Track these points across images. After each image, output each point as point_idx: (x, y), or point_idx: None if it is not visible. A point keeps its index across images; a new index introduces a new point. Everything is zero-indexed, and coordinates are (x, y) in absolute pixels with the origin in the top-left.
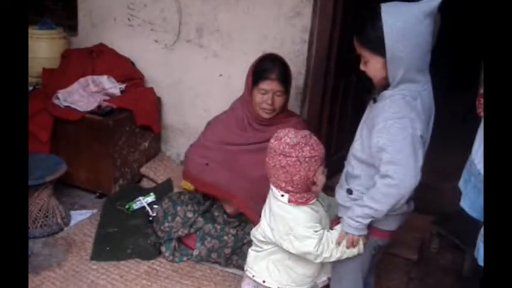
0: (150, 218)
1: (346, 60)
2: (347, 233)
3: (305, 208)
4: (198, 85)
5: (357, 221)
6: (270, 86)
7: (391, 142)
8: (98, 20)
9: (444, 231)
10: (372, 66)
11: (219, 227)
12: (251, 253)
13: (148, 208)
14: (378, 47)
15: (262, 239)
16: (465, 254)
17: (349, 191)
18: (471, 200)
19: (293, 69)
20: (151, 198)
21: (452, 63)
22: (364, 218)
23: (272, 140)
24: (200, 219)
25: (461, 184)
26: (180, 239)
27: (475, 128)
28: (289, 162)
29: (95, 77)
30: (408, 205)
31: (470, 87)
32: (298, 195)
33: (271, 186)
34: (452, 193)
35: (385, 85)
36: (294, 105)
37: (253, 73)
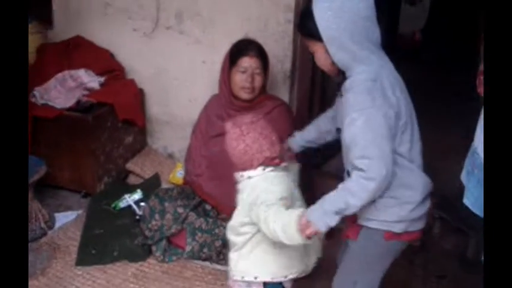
0: (137, 217)
1: None
2: (312, 224)
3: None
4: (181, 74)
5: (330, 217)
6: (249, 62)
7: (358, 135)
8: (73, 11)
9: (446, 214)
10: (318, 54)
11: (211, 220)
12: (232, 256)
13: (134, 206)
14: (315, 33)
15: (244, 221)
16: (468, 237)
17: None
18: (474, 196)
19: (279, 51)
20: (138, 195)
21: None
22: (338, 213)
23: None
24: (192, 213)
25: (463, 177)
26: (168, 239)
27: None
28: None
29: (73, 72)
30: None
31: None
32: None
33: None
34: (450, 173)
35: (341, 75)
36: (282, 89)
37: (230, 54)
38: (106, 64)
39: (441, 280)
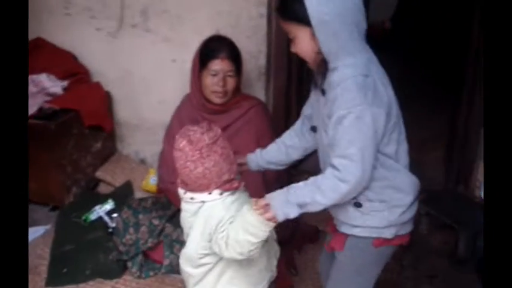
0: (110, 230)
1: None
2: (271, 209)
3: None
4: (149, 74)
5: (292, 208)
6: (220, 65)
7: (343, 134)
8: (31, 11)
9: (433, 210)
10: (301, 40)
11: None
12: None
13: (106, 218)
14: (302, 16)
15: (204, 252)
16: (458, 233)
17: (358, 204)
18: None
19: (253, 47)
20: (109, 205)
21: None
22: (301, 207)
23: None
24: (168, 225)
25: None
26: (145, 253)
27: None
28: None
29: (33, 76)
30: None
31: None
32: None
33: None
34: (427, 165)
35: (323, 66)
36: (257, 87)
37: (200, 55)
38: (69, 67)
39: (433, 280)
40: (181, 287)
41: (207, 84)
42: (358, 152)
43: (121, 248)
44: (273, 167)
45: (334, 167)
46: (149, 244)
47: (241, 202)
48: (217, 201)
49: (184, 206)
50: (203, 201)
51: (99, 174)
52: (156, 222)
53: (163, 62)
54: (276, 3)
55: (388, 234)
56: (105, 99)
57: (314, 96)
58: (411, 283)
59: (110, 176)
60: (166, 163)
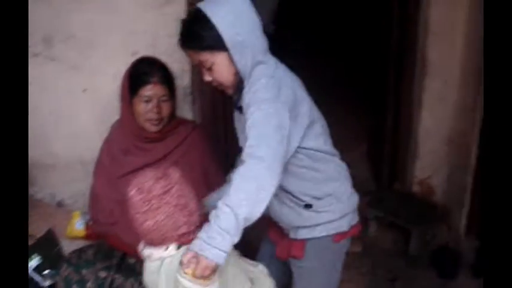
0: None
1: None
2: (203, 260)
3: None
4: (59, 107)
5: (223, 235)
6: (152, 90)
7: (254, 126)
8: None
9: (382, 213)
10: (219, 66)
11: (141, 277)
12: None
13: (37, 277)
14: (217, 43)
15: None
16: (409, 232)
17: (308, 206)
18: None
19: (175, 66)
20: (35, 261)
21: None
22: (229, 229)
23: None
24: (117, 275)
25: None
26: None
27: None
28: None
29: None
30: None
31: None
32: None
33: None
34: (360, 165)
35: (238, 90)
36: (183, 109)
37: (129, 81)
38: None
39: (394, 283)
40: None
41: (140, 111)
42: (269, 150)
43: None
44: None
45: (247, 154)
46: None
47: None
48: (176, 256)
49: (146, 265)
50: (161, 258)
51: None
52: (103, 274)
53: (73, 92)
54: (180, 36)
55: (345, 225)
56: None
57: (236, 117)
58: None
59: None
60: (99, 202)
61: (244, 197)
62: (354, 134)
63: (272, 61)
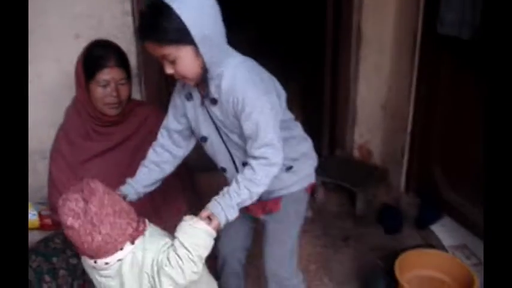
0: None
1: None
2: (214, 217)
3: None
4: None
5: (232, 210)
6: (110, 74)
7: (256, 127)
8: None
9: (329, 178)
10: (184, 60)
11: None
12: None
13: None
14: (183, 36)
15: None
16: (353, 194)
17: (289, 168)
18: None
19: (122, 47)
20: None
21: None
22: (240, 205)
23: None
24: None
25: None
26: None
27: None
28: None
29: None
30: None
31: None
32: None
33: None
34: None
35: (203, 76)
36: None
37: (83, 65)
38: None
39: (348, 241)
40: None
41: (98, 96)
42: (275, 135)
43: None
44: (149, 188)
45: (259, 157)
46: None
47: (150, 230)
48: (136, 248)
49: (102, 274)
50: (120, 260)
51: None
52: (74, 261)
53: None
54: (141, 28)
55: (314, 175)
56: None
57: (191, 108)
58: (331, 250)
59: None
60: (56, 188)
61: (269, 181)
62: (293, 105)
63: (236, 55)
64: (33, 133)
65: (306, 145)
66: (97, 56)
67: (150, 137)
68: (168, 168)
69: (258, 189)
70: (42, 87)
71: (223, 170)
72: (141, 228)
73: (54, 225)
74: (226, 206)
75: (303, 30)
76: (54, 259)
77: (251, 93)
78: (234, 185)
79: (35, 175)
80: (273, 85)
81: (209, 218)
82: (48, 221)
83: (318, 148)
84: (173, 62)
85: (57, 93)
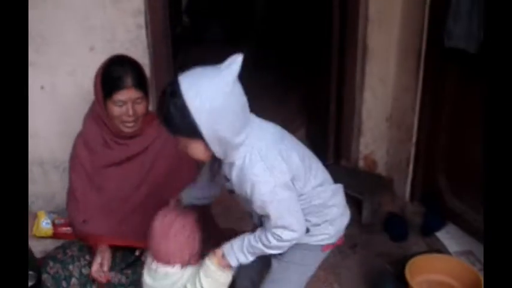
0: None
1: None
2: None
3: None
4: None
5: (245, 256)
6: (127, 95)
7: (271, 212)
8: None
9: None
10: (193, 148)
11: (129, 271)
12: None
13: None
14: (194, 133)
15: None
16: (359, 203)
17: (306, 231)
18: None
19: None
20: None
21: None
22: (255, 255)
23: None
24: None
25: None
26: None
27: None
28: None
29: None
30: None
31: None
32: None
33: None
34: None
35: (218, 161)
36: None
37: (102, 83)
38: None
39: (355, 249)
40: None
41: (114, 114)
42: (290, 218)
43: None
44: (201, 201)
45: (275, 234)
46: None
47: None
48: (177, 275)
49: (148, 275)
50: (166, 274)
51: None
52: (86, 271)
53: (30, 90)
54: (157, 112)
55: (333, 240)
56: None
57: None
58: (338, 257)
59: None
60: (75, 197)
61: (285, 248)
62: (297, 116)
63: (254, 135)
64: (46, 143)
65: (332, 212)
66: (114, 77)
67: (169, 144)
68: (217, 191)
69: (272, 251)
70: (55, 99)
71: (250, 215)
72: (192, 262)
73: (68, 235)
74: (237, 250)
75: (309, 40)
76: (70, 266)
77: (260, 188)
78: (251, 238)
79: (47, 184)
80: (292, 162)
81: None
82: (61, 229)
83: (323, 158)
84: (186, 147)
85: (70, 104)
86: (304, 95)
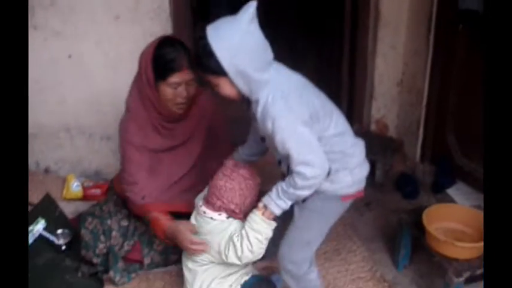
0: (63, 248)
1: None
2: (270, 212)
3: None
4: (42, 75)
5: (284, 202)
6: (182, 77)
7: (291, 149)
8: None
9: None
10: (223, 87)
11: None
12: (187, 275)
13: (51, 237)
14: (218, 69)
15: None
16: (372, 163)
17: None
18: None
19: (157, 29)
20: (41, 224)
21: None
22: (291, 199)
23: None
24: (138, 223)
25: None
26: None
27: None
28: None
29: None
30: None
31: None
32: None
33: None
34: None
35: (245, 99)
36: None
37: (153, 66)
38: None
39: (369, 206)
40: (168, 278)
41: (168, 97)
42: (310, 154)
43: (95, 260)
44: (252, 158)
45: (299, 173)
46: (126, 248)
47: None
48: (225, 223)
49: (195, 218)
50: (212, 218)
51: None
52: (125, 223)
53: (57, 59)
54: (190, 62)
55: (353, 191)
56: None
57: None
58: (355, 214)
59: None
60: (134, 181)
61: (313, 188)
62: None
63: (277, 79)
64: (72, 110)
65: (351, 161)
66: (168, 59)
67: (212, 126)
68: (264, 149)
69: (302, 193)
70: (82, 67)
71: (279, 162)
72: (238, 216)
73: (97, 196)
74: (276, 198)
75: (322, 7)
76: (108, 221)
77: (280, 123)
78: (283, 184)
79: (73, 149)
80: (312, 105)
81: (265, 207)
82: (90, 191)
83: None
84: (216, 86)
85: (97, 73)
86: (317, 62)
